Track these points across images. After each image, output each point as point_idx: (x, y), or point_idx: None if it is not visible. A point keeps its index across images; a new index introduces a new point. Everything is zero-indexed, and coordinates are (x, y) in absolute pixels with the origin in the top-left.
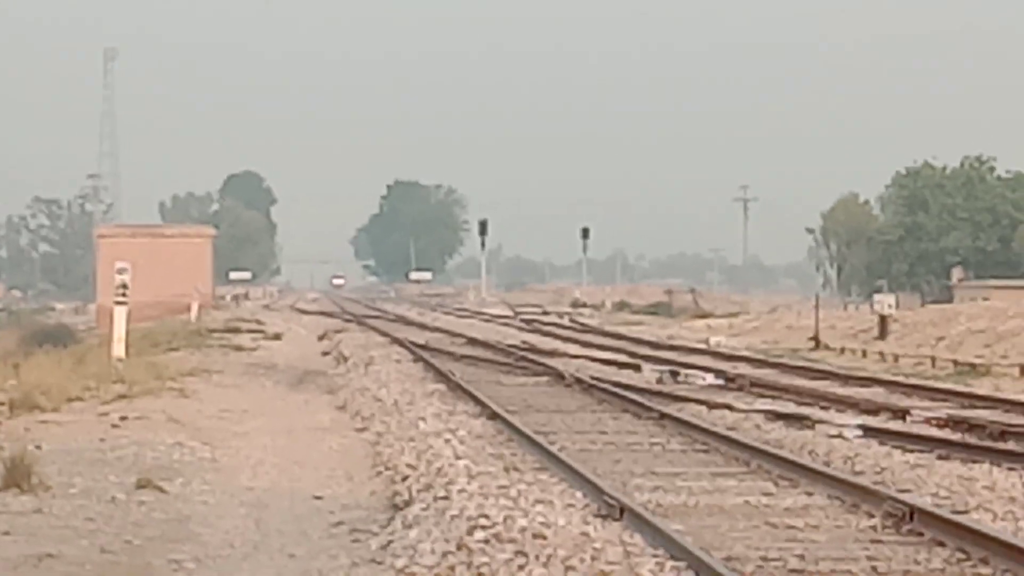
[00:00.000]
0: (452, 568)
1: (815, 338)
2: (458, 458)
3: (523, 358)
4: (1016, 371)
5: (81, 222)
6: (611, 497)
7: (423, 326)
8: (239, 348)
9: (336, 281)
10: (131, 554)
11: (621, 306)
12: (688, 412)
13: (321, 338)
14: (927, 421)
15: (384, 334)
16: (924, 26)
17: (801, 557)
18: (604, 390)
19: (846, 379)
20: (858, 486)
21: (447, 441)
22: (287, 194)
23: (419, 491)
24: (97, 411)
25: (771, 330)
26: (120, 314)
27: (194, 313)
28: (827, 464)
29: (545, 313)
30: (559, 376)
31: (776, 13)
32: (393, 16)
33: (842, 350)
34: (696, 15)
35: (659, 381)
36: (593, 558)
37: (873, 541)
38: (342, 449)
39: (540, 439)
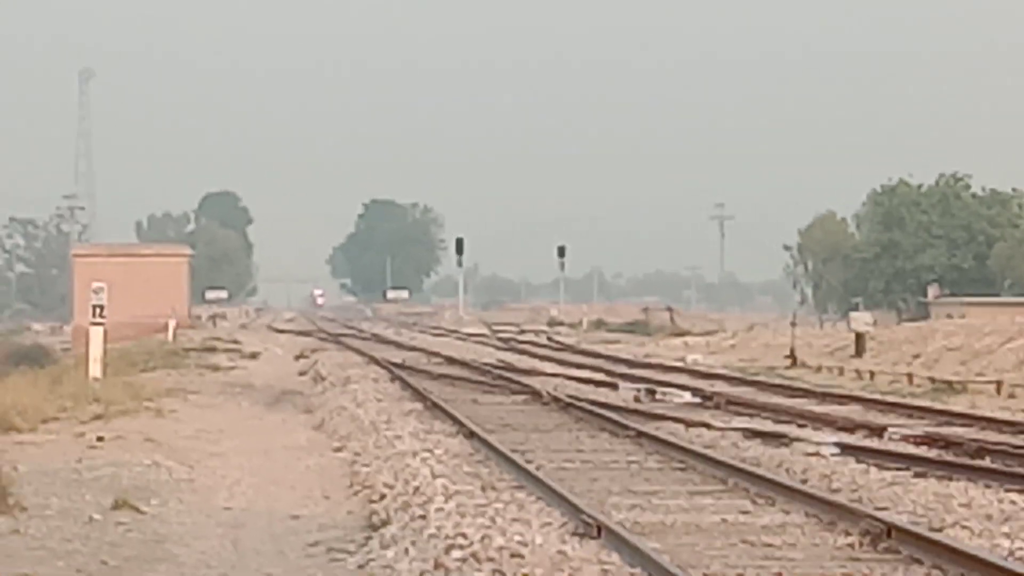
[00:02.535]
0: None
1: (792, 356)
2: (435, 477)
3: (500, 377)
4: (992, 388)
5: (57, 242)
6: (588, 516)
7: (400, 345)
8: (216, 368)
9: (319, 300)
10: (108, 574)
11: (598, 324)
12: (665, 430)
13: (298, 358)
14: (904, 439)
15: (361, 353)
16: (900, 45)
17: (779, 575)
18: (581, 408)
19: (823, 397)
20: (835, 504)
21: (424, 460)
22: (263, 213)
23: (396, 510)
24: (74, 431)
25: (748, 348)
26: (96, 334)
27: (171, 333)
28: (804, 482)
29: (522, 332)
30: (536, 395)
31: (752, 33)
32: (369, 36)
33: (819, 368)
34: (673, 33)
35: (636, 399)
36: None
37: (850, 559)
38: (319, 469)
39: (517, 458)
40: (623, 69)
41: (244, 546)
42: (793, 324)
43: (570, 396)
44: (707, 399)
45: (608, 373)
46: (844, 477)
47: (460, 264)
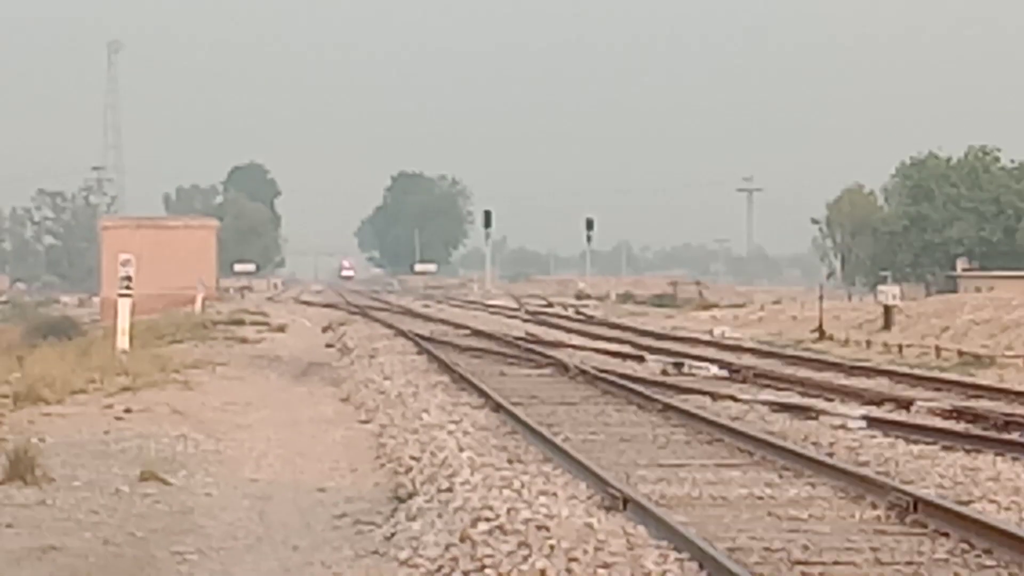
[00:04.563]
0: (455, 560)
1: (819, 329)
2: (461, 450)
3: (527, 349)
4: (1020, 362)
5: (85, 214)
6: (615, 488)
7: (427, 318)
8: (243, 340)
9: (345, 272)
10: (135, 546)
11: (625, 297)
12: (692, 403)
13: (325, 330)
14: (931, 412)
15: (388, 326)
16: (928, 22)
17: (805, 548)
18: (608, 381)
19: (850, 370)
20: (862, 477)
21: (451, 433)
22: (291, 186)
23: (423, 483)
24: (101, 403)
25: (775, 321)
26: (124, 306)
27: (198, 305)
28: (831, 455)
29: (549, 304)
30: (563, 367)
31: (781, 11)
32: (397, 11)
33: (846, 341)
34: (701, 11)
35: (663, 372)
36: (597, 549)
37: (877, 532)
38: (346, 441)
39: (544, 430)
40: (652, 46)
41: (271, 518)
42: (821, 297)
43: (597, 369)
44: (734, 372)
45: (635, 346)
46: (871, 450)
47: (488, 237)
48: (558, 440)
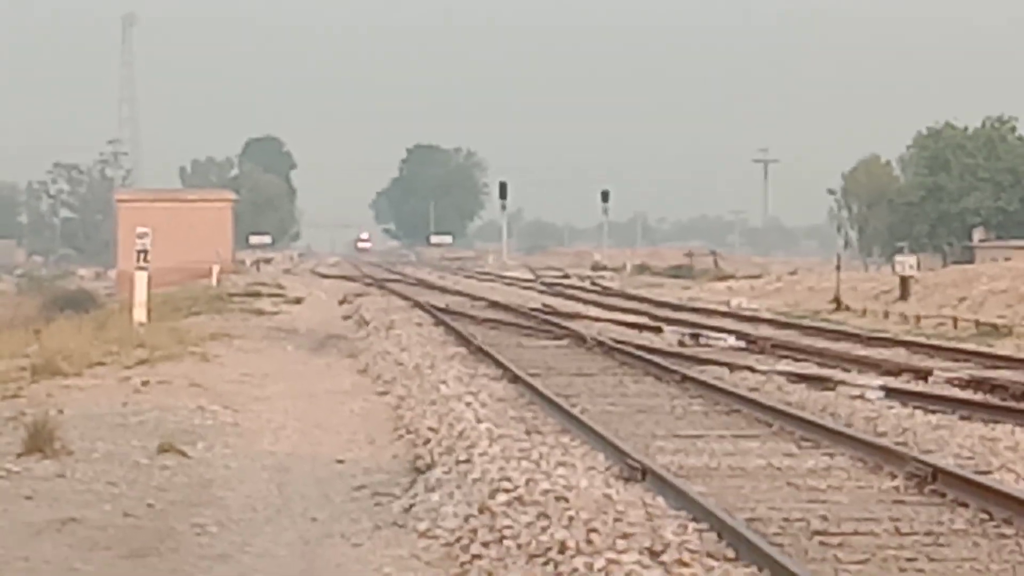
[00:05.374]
0: (474, 531)
1: (836, 300)
2: (480, 421)
3: (544, 321)
4: None
5: (101, 187)
6: (633, 459)
7: (444, 290)
8: (260, 312)
9: (362, 244)
10: (153, 518)
11: (642, 269)
12: (710, 374)
13: (342, 302)
14: (949, 382)
15: (405, 298)
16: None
17: (824, 518)
18: (625, 352)
19: (868, 340)
20: (880, 447)
21: (468, 404)
22: (307, 158)
23: (441, 454)
24: (119, 376)
25: (792, 292)
26: (141, 279)
27: (215, 278)
28: (849, 425)
29: (566, 276)
30: (580, 339)
31: None
32: None
33: (863, 311)
34: None
35: (680, 343)
36: (616, 520)
37: (896, 502)
38: (363, 413)
39: (562, 402)
40: (668, 18)
41: (289, 490)
42: (838, 268)
43: (614, 340)
44: (752, 343)
45: (652, 317)
46: (889, 420)
47: (503, 208)
48: (576, 411)
